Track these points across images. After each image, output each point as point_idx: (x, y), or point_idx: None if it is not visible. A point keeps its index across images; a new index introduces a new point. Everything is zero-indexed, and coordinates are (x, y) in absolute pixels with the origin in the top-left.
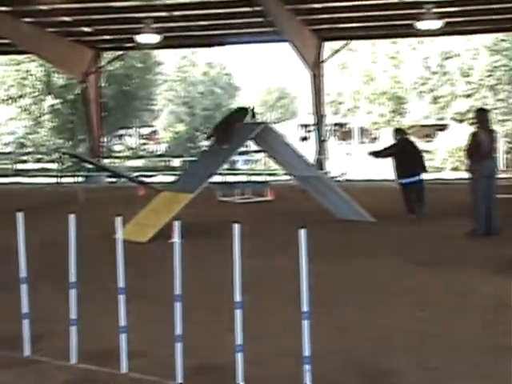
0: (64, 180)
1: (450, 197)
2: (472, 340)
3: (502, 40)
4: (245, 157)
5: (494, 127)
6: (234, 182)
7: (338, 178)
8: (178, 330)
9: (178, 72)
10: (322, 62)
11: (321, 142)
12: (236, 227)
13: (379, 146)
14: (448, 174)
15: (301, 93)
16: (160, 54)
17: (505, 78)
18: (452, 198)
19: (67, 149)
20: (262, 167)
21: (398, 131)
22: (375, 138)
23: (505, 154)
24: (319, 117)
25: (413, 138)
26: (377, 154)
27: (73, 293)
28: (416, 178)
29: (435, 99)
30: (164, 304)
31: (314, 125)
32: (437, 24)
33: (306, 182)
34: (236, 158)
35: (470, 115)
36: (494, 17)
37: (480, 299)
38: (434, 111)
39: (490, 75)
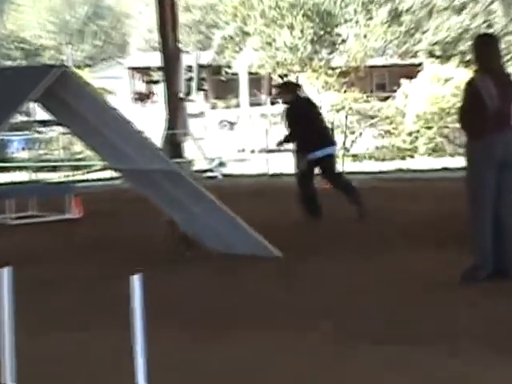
0: None
1: (425, 205)
2: None
3: None
4: (24, 135)
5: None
6: (4, 185)
7: (211, 173)
8: None
9: None
10: None
11: (175, 104)
12: (5, 275)
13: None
14: (422, 162)
15: (134, 9)
16: None
17: None
18: (429, 208)
19: None
20: (58, 155)
21: (289, 87)
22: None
23: None
24: (171, 54)
25: (355, 95)
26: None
27: None
28: (330, 150)
29: (395, 16)
30: None
31: (161, 69)
32: None
33: (147, 184)
34: (6, 136)
35: (464, 47)
36: None
37: None
38: (394, 40)
39: None
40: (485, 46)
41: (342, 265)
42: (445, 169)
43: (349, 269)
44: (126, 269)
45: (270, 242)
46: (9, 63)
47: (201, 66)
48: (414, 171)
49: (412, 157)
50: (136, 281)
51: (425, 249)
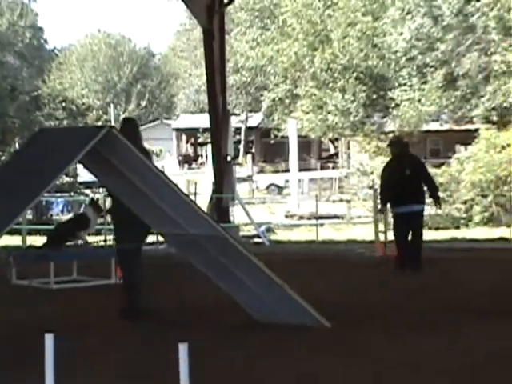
0: None
1: (484, 275)
2: None
3: None
4: (68, 197)
5: None
6: (44, 248)
7: (258, 239)
8: None
9: None
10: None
11: (223, 167)
12: (49, 341)
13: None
14: (476, 232)
15: (181, 70)
16: None
17: None
18: (490, 279)
19: None
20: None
21: (395, 143)
22: (333, 156)
23: None
24: (219, 116)
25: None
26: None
27: None
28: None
29: (451, 81)
30: None
31: (209, 131)
32: None
33: (192, 249)
34: (50, 197)
35: None
36: None
37: None
38: (450, 104)
39: None
40: None
41: (391, 337)
42: (502, 239)
43: (402, 342)
44: (171, 335)
45: (319, 311)
46: (53, 123)
47: (249, 129)
48: (469, 241)
49: (467, 226)
50: (182, 350)
51: (493, 322)
